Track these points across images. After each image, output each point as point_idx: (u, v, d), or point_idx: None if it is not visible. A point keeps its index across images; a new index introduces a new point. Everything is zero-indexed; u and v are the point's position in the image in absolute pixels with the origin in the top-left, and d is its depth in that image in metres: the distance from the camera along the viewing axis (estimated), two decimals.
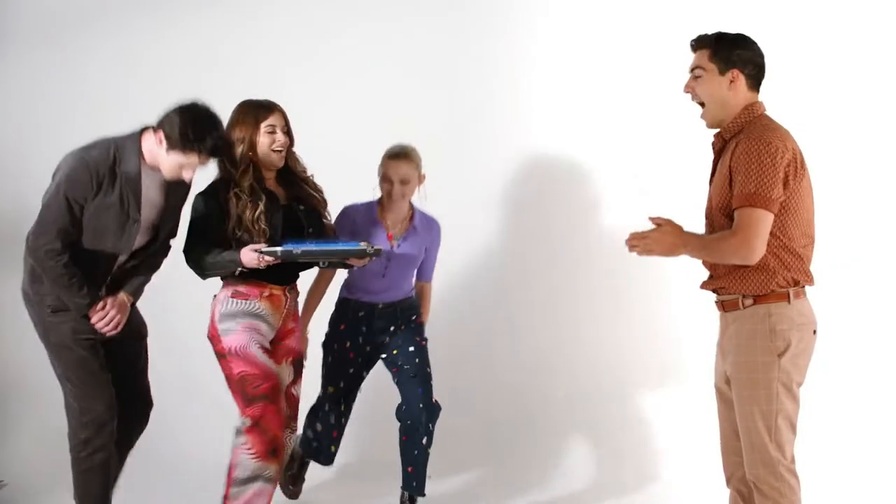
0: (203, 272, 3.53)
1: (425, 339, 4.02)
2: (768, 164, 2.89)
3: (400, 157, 3.85)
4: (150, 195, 3.41)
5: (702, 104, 3.08)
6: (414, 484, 3.88)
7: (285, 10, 4.93)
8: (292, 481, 4.10)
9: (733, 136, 3.02)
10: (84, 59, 4.84)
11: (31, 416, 4.60)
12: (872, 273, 4.60)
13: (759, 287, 2.95)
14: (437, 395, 3.93)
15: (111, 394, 3.43)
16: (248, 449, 3.42)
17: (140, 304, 3.60)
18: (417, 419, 3.83)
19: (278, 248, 3.41)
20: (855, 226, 4.58)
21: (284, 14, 4.92)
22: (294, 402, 3.73)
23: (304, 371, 3.83)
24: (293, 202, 3.63)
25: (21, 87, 4.86)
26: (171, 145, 3.26)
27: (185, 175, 3.33)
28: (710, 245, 2.97)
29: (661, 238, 2.98)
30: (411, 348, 3.96)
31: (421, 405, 3.83)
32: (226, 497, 3.49)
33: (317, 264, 3.68)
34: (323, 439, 4.00)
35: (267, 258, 3.39)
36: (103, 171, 3.29)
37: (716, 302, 3.10)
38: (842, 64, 4.63)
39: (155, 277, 3.60)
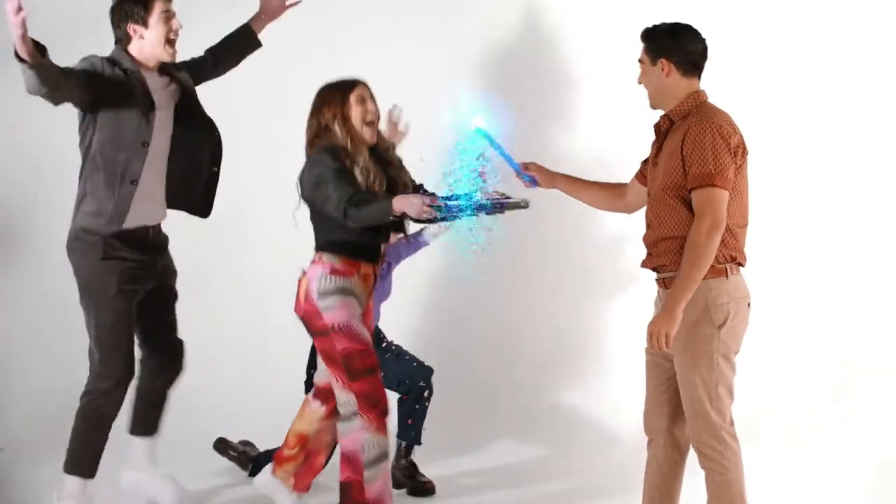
0: (358, 220, 3.35)
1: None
2: (722, 145, 3.02)
3: None
4: (157, 92, 3.51)
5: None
6: (413, 433, 4.14)
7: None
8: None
9: (681, 118, 3.14)
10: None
11: (28, 382, 4.71)
12: (800, 254, 4.88)
13: None
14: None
15: (132, 349, 3.59)
16: (369, 426, 3.41)
17: None
18: (420, 386, 4.13)
19: (450, 203, 3.28)
20: (785, 212, 4.83)
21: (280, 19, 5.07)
22: None
23: None
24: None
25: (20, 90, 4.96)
26: (135, 16, 3.40)
27: (174, 26, 3.45)
28: (690, 265, 2.98)
29: (656, 322, 3.00)
30: (379, 323, 4.15)
31: (421, 379, 4.14)
32: (358, 484, 3.45)
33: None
34: None
35: (434, 213, 3.25)
36: (100, 67, 3.41)
37: (657, 279, 3.21)
38: (786, 57, 4.85)
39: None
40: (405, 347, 4.29)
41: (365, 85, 3.55)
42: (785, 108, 4.96)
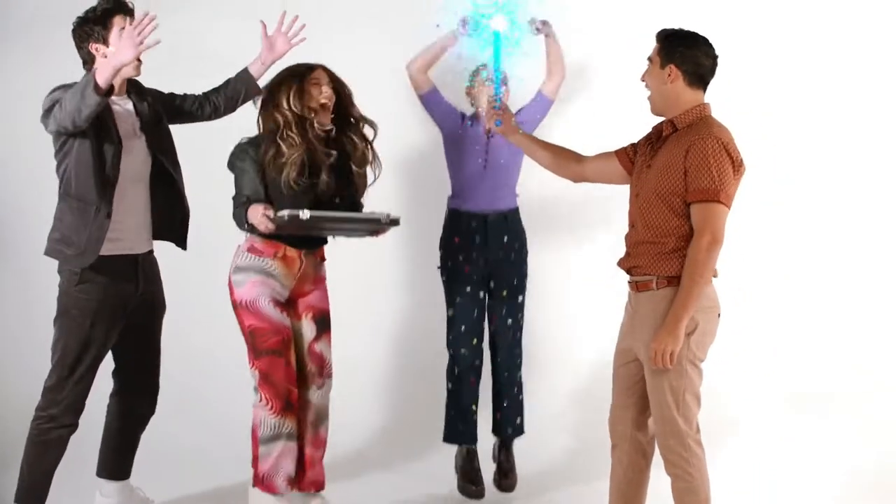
0: (237, 223, 3.54)
1: (525, 291, 4.15)
2: (727, 162, 3.05)
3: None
4: (126, 120, 3.45)
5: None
6: (510, 430, 4.11)
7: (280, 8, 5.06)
8: (472, 479, 4.06)
9: (686, 127, 3.13)
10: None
11: (25, 383, 4.46)
12: (771, 267, 4.89)
13: (674, 269, 3.07)
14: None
15: (91, 382, 3.48)
16: (265, 405, 3.52)
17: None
18: (513, 376, 4.10)
19: (285, 212, 3.28)
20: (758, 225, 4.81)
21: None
22: (319, 359, 3.71)
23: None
24: (334, 170, 3.61)
25: (18, 85, 4.90)
26: (95, 35, 3.32)
27: (134, 41, 3.27)
28: (691, 281, 3.00)
29: (660, 340, 3.02)
30: (519, 298, 4.11)
31: (518, 362, 4.11)
32: (255, 458, 3.58)
33: (325, 236, 3.65)
34: (457, 402, 4.07)
35: (270, 225, 3.33)
36: None
37: (629, 282, 3.23)
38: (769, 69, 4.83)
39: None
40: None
41: (324, 69, 3.62)
42: (784, 109, 4.93)
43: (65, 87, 3.35)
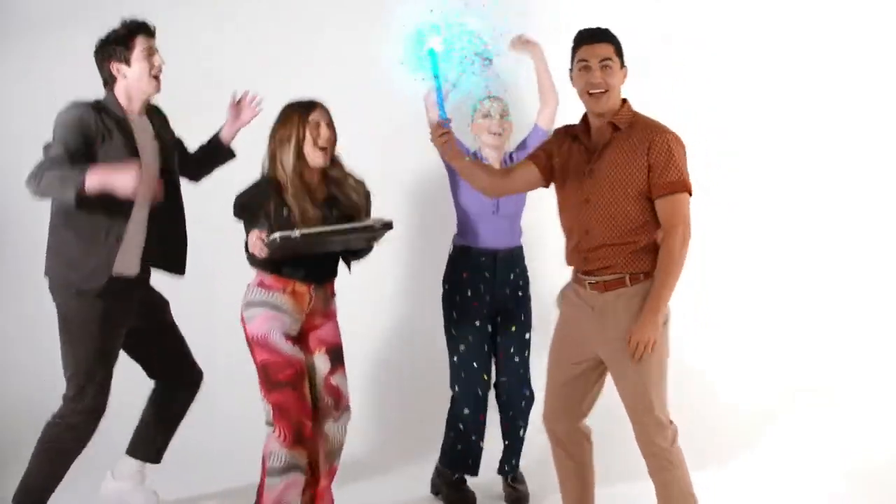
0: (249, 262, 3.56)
1: (531, 329, 4.13)
2: (683, 154, 3.17)
3: (498, 97, 4.03)
4: (143, 140, 3.55)
5: (603, 92, 3.21)
6: (506, 468, 4.11)
7: (278, 8, 5.07)
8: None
9: (627, 126, 3.21)
10: (76, 56, 4.72)
11: (23, 383, 4.77)
12: (770, 262, 4.96)
13: (648, 265, 3.16)
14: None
15: (109, 386, 3.55)
16: (279, 437, 3.49)
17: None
18: (517, 416, 4.06)
19: (276, 235, 3.29)
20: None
21: (276, 12, 5.09)
22: (335, 392, 3.70)
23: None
24: (330, 205, 3.61)
25: (15, 84, 5.00)
26: (117, 55, 3.41)
27: (156, 62, 3.48)
28: (667, 274, 3.08)
29: (642, 332, 3.08)
30: (526, 335, 4.11)
31: (524, 404, 4.06)
32: (261, 487, 3.56)
33: (320, 254, 3.60)
34: (467, 438, 4.02)
35: (264, 249, 3.34)
36: (91, 119, 3.40)
37: (595, 283, 3.21)
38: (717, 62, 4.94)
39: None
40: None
41: (323, 108, 3.60)
42: (775, 101, 5.02)
43: (73, 107, 3.43)
